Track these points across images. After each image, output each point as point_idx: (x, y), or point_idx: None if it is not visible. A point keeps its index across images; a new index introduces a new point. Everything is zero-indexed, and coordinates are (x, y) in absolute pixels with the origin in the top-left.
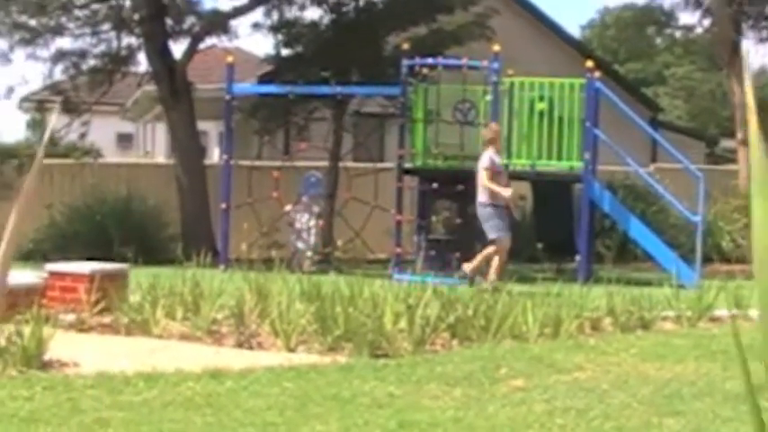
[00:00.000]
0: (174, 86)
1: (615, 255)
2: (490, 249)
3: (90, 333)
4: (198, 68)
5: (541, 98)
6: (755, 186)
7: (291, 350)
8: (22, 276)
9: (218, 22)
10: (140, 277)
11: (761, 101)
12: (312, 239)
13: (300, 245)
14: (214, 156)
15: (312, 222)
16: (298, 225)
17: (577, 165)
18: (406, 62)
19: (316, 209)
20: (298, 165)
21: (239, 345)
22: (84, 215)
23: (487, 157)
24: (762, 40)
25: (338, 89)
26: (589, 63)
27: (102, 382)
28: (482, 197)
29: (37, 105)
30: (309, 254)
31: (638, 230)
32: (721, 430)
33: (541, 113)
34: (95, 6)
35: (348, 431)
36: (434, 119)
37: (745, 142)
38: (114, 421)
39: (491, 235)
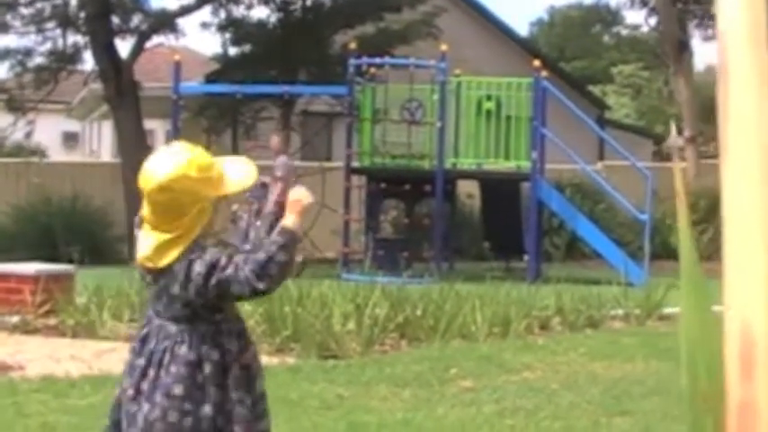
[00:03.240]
0: (120, 85)
1: (564, 253)
2: None
3: (35, 335)
4: (145, 67)
5: (489, 97)
6: (685, 278)
7: None
8: None
9: (165, 21)
10: (86, 278)
11: (708, 100)
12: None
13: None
14: None
15: (258, 222)
16: (242, 224)
17: (525, 164)
18: (353, 61)
19: (255, 207)
20: None
21: None
22: (28, 215)
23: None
24: (707, 39)
25: (286, 88)
26: (536, 62)
27: (47, 386)
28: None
29: None
30: None
31: (586, 229)
32: (671, 429)
33: (489, 112)
34: (40, 4)
35: None
36: (382, 118)
37: (692, 140)
38: (60, 426)
39: None
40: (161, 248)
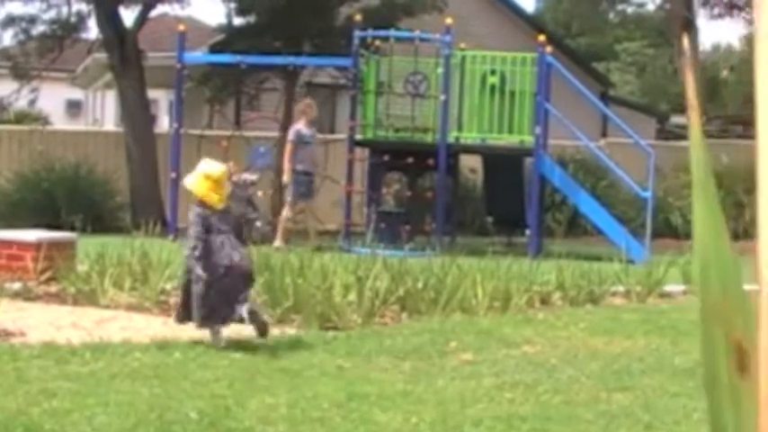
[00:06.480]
0: (124, 54)
1: (565, 229)
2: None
3: (36, 302)
4: (149, 36)
5: (493, 72)
6: (697, 188)
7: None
8: None
9: None
10: (88, 246)
11: (712, 79)
12: (253, 210)
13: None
14: (164, 124)
15: (259, 193)
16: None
17: (528, 139)
18: (358, 33)
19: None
20: (248, 135)
21: None
22: (31, 183)
23: (294, 130)
24: (713, 18)
25: (290, 60)
26: (541, 37)
27: (48, 353)
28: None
29: None
30: (258, 224)
31: (588, 205)
32: (669, 405)
33: (493, 87)
34: None
35: (297, 403)
36: (386, 91)
37: None
38: (60, 392)
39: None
40: None
